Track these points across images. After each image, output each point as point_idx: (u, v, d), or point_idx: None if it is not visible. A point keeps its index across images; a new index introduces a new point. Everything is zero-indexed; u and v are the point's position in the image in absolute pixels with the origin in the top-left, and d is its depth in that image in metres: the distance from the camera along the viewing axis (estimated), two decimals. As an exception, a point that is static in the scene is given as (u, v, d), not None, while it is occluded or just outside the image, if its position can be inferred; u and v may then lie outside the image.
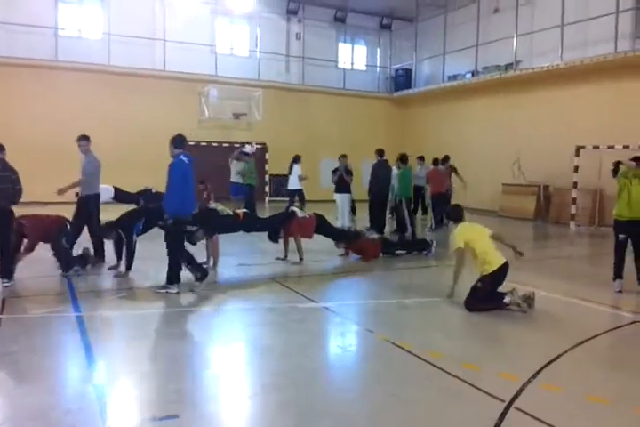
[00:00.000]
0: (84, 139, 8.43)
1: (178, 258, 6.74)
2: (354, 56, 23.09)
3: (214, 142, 19.58)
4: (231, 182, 15.20)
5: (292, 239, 8.88)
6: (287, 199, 14.58)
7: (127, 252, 7.57)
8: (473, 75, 18.67)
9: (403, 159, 12.10)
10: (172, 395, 3.91)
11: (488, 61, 18.30)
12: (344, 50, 22.74)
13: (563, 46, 15.26)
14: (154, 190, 12.79)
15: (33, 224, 7.00)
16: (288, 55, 21.24)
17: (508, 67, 17.35)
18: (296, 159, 14.73)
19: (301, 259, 8.75)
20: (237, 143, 19.63)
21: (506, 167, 16.72)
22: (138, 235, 7.77)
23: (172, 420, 3.45)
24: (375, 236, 9.89)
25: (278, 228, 8.73)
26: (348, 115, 21.52)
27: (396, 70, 22.91)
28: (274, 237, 8.74)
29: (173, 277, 6.65)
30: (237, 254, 9.20)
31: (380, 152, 12.23)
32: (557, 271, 8.83)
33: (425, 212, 15.65)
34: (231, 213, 8.43)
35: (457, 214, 6.74)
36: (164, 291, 6.59)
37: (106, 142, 17.19)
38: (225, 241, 8.56)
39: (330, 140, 20.43)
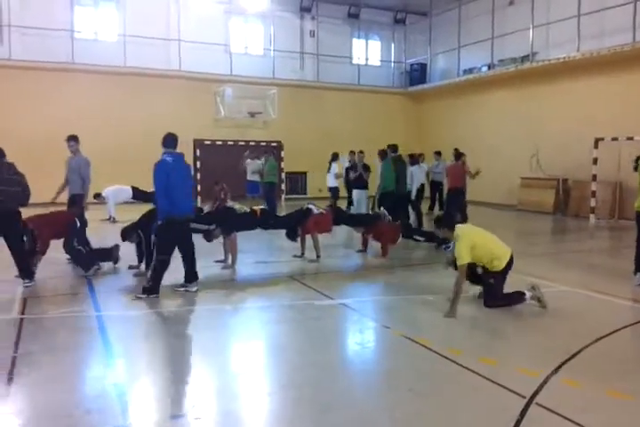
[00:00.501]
0: (72, 139, 8.44)
1: (163, 266, 6.45)
2: (368, 52, 23.01)
3: (230, 141, 19.67)
4: (247, 181, 15.41)
5: (309, 236, 8.89)
6: (304, 196, 14.66)
7: (146, 251, 7.64)
8: (489, 68, 18.49)
9: (380, 152, 11.99)
10: (192, 393, 3.95)
11: (504, 54, 18.11)
12: (358, 46, 22.68)
13: (580, 37, 15.06)
14: None
15: (39, 226, 7.08)
16: (302, 53, 21.23)
17: (524, 59, 17.16)
18: (334, 157, 14.97)
19: (318, 256, 8.75)
20: (253, 142, 19.76)
21: (524, 161, 16.57)
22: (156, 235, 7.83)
23: (192, 418, 3.48)
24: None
25: (296, 226, 8.74)
26: (363, 111, 21.46)
27: (411, 65, 22.78)
28: (292, 236, 8.76)
29: (151, 286, 6.39)
30: (255, 252, 9.24)
31: (394, 148, 12.10)
32: (577, 265, 8.73)
33: (441, 207, 15.60)
34: (248, 210, 8.46)
35: (449, 222, 6.13)
36: (182, 289, 6.63)
37: (123, 142, 17.43)
38: (242, 239, 8.58)
39: (345, 136, 20.39)
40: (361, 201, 12.71)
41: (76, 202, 8.33)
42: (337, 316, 5.83)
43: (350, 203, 14.10)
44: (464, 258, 5.67)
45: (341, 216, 9.32)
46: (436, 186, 15.97)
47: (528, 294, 5.91)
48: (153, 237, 7.69)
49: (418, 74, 22.23)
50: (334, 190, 15.07)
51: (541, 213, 15.79)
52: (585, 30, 15.04)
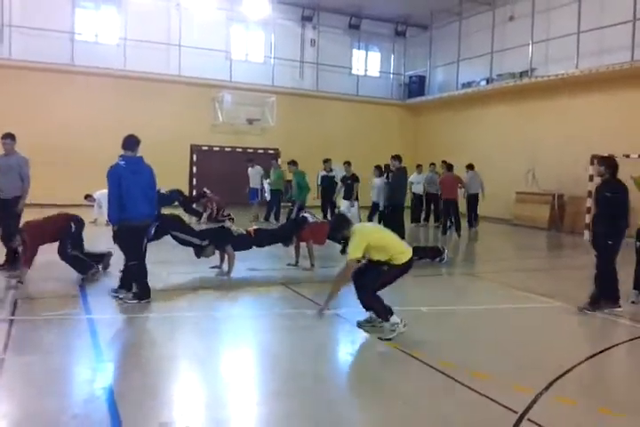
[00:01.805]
0: (9, 137, 7.83)
1: (139, 270, 6.39)
2: (368, 63, 23.12)
3: (227, 147, 19.67)
4: (250, 188, 15.58)
5: (303, 245, 8.86)
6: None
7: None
8: (487, 82, 18.59)
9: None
10: (181, 400, 3.91)
11: (503, 69, 18.22)
12: (358, 56, 22.77)
13: (579, 54, 15.16)
14: (162, 191, 12.89)
15: (31, 236, 6.94)
16: (302, 61, 21.30)
17: (523, 74, 17.26)
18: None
19: (312, 265, 8.72)
20: (251, 148, 19.76)
21: (520, 175, 16.61)
22: (149, 240, 7.78)
23: (181, 425, 3.42)
24: None
25: (291, 235, 8.73)
26: (360, 121, 21.51)
27: (410, 77, 22.88)
28: (286, 243, 8.77)
29: (139, 292, 6.28)
30: (248, 260, 9.18)
31: (396, 158, 12.03)
32: (572, 281, 8.73)
33: (437, 219, 15.62)
34: (244, 232, 8.43)
35: (340, 223, 5.76)
36: (114, 295, 6.41)
37: (119, 145, 17.34)
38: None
39: (343, 146, 20.42)
40: (353, 213, 12.70)
41: (12, 205, 7.68)
42: (329, 326, 5.79)
43: (325, 216, 13.91)
44: (354, 253, 5.25)
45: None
46: (432, 197, 16.02)
47: (393, 320, 5.30)
48: (145, 240, 7.65)
49: (416, 86, 22.33)
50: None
51: (536, 229, 15.81)
52: (584, 47, 15.15)
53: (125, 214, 6.10)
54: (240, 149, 19.74)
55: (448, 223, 13.92)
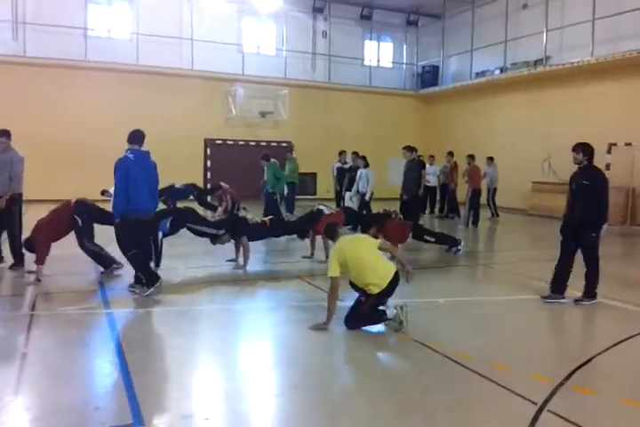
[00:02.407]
0: (4, 135, 7.72)
1: (138, 258, 6.43)
2: (380, 53, 22.97)
3: (241, 141, 19.71)
4: (264, 181, 15.54)
5: (318, 237, 8.87)
6: (313, 197, 14.63)
7: (154, 250, 7.65)
8: (501, 71, 18.41)
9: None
10: (200, 393, 3.94)
11: (517, 57, 18.03)
12: (370, 47, 22.64)
13: (594, 41, 14.96)
14: (177, 186, 12.96)
15: (45, 231, 7.01)
16: (314, 53, 21.23)
17: (537, 63, 17.07)
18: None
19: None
20: (264, 141, 19.79)
21: (536, 165, 16.47)
22: (166, 234, 7.86)
23: (202, 418, 3.46)
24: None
25: (307, 227, 8.75)
26: (374, 112, 21.43)
27: (423, 67, 22.72)
28: (302, 236, 8.80)
29: (147, 279, 6.36)
30: (264, 252, 9.23)
31: (411, 149, 12.00)
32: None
33: (452, 210, 15.57)
34: (259, 221, 8.47)
35: (331, 232, 5.75)
36: (131, 290, 6.47)
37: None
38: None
39: (356, 138, 20.37)
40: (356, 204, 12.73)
41: (20, 202, 7.60)
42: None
43: (338, 205, 13.83)
44: (331, 271, 5.15)
45: (352, 216, 9.31)
46: (444, 188, 15.95)
47: (390, 314, 5.26)
48: (160, 234, 7.73)
49: (430, 76, 22.17)
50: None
51: (553, 218, 15.65)
52: (599, 35, 14.94)
53: (130, 206, 6.17)
54: (253, 143, 19.78)
55: (470, 214, 13.77)
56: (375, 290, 5.15)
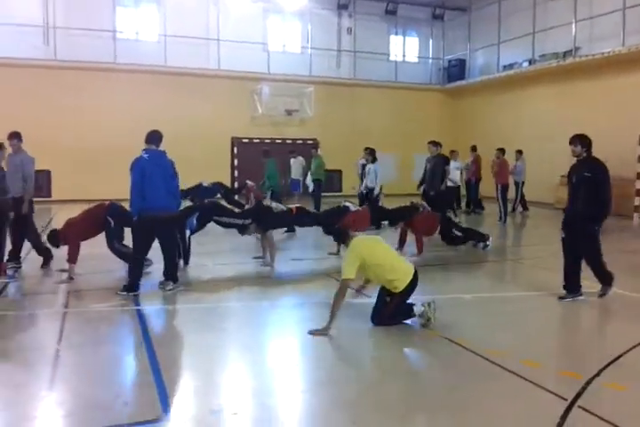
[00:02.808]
0: (15, 137, 7.74)
1: (136, 263, 6.49)
2: (405, 48, 22.82)
3: (267, 139, 19.79)
4: (291, 179, 15.65)
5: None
6: (339, 194, 14.57)
7: (182, 247, 7.78)
8: (530, 63, 18.10)
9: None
10: (229, 388, 3.99)
11: (545, 49, 17.70)
12: (396, 42, 22.50)
13: (625, 31, 14.60)
14: (204, 184, 13.10)
15: (74, 231, 7.11)
16: (339, 50, 21.19)
17: (566, 54, 16.73)
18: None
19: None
20: (290, 139, 19.85)
21: (564, 158, 16.09)
22: (194, 231, 7.97)
23: (230, 413, 3.51)
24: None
25: (333, 222, 8.75)
26: (400, 108, 21.28)
27: (449, 61, 22.49)
28: (326, 229, 8.82)
29: (128, 284, 6.37)
30: (290, 249, 9.28)
31: (437, 144, 11.87)
32: (621, 266, 8.45)
33: (477, 205, 15.40)
34: (284, 208, 8.50)
35: (340, 236, 5.61)
36: (161, 287, 6.57)
37: (164, 140, 17.69)
38: (279, 236, 8.65)
39: (382, 134, 20.28)
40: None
41: (17, 205, 7.47)
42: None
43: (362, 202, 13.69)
44: (348, 273, 5.03)
45: (379, 213, 9.28)
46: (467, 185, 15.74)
47: (417, 310, 5.23)
48: (188, 232, 7.84)
49: (456, 70, 21.93)
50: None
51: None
52: (630, 24, 14.56)
53: (146, 205, 6.26)
54: (279, 141, 19.84)
55: (500, 209, 13.54)
56: (401, 286, 5.13)
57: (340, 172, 20.17)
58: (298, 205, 9.14)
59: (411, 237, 9.22)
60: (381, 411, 3.55)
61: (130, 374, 4.25)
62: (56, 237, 7.19)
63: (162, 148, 6.65)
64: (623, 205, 14.61)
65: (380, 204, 8.94)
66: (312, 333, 4.93)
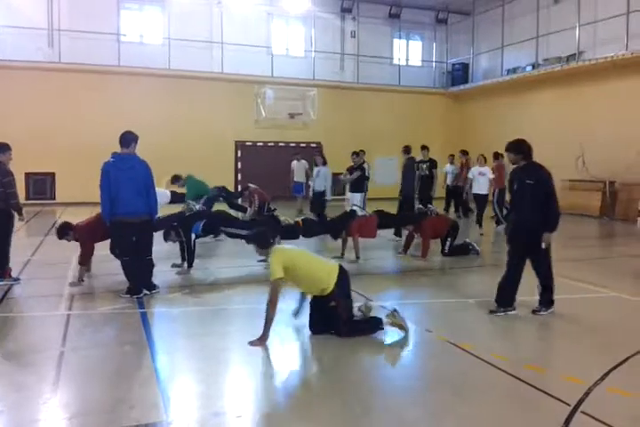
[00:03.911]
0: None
1: (129, 266, 6.45)
2: (409, 52, 22.85)
3: (270, 142, 19.83)
4: (294, 182, 15.62)
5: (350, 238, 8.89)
6: (342, 197, 14.45)
7: (187, 250, 7.81)
8: (533, 67, 18.12)
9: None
10: (233, 391, 4.00)
11: (549, 53, 17.73)
12: (399, 46, 22.53)
13: (628, 35, 14.62)
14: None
15: (82, 233, 7.10)
16: (343, 53, 21.23)
17: (570, 58, 16.75)
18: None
19: (358, 258, 8.73)
20: (293, 143, 19.87)
21: (569, 162, 16.16)
22: (199, 236, 8.00)
23: (234, 416, 3.51)
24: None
25: (340, 228, 8.78)
26: (403, 112, 21.30)
27: (453, 65, 22.52)
28: (335, 235, 8.86)
29: (131, 288, 6.39)
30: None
31: (407, 149, 11.94)
32: (625, 270, 8.48)
33: (465, 210, 15.18)
34: (291, 222, 8.55)
35: (262, 239, 5.18)
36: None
37: (166, 143, 17.74)
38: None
39: (385, 137, 20.30)
40: (357, 204, 12.66)
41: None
42: (377, 318, 5.80)
43: None
44: (275, 273, 4.78)
45: (387, 219, 9.29)
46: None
47: (385, 320, 5.13)
48: (193, 236, 7.87)
49: (460, 74, 21.96)
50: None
51: (587, 217, 15.39)
52: (634, 28, 14.59)
53: (117, 210, 6.19)
54: (283, 144, 19.89)
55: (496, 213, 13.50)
56: (328, 287, 4.94)
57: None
58: (303, 217, 9.17)
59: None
60: (386, 414, 3.55)
61: (134, 377, 4.25)
62: (64, 230, 7.14)
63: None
64: (629, 209, 14.62)
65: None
66: (252, 343, 4.76)
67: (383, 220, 9.18)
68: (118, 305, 6.07)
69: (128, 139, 6.38)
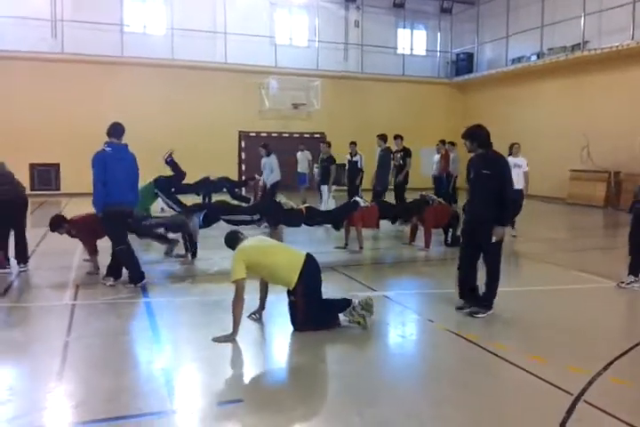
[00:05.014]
0: None
1: (126, 254, 6.43)
2: (413, 41, 22.72)
3: (274, 133, 19.79)
4: (298, 172, 15.59)
5: (353, 228, 8.89)
6: (346, 188, 14.27)
7: (190, 241, 7.85)
8: (538, 57, 18.00)
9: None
10: (237, 380, 4.03)
11: (554, 43, 17.59)
12: (403, 36, 22.39)
13: (634, 24, 14.48)
14: (211, 179, 13.10)
15: (78, 225, 7.04)
16: (347, 43, 21.12)
17: (575, 47, 16.63)
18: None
19: (361, 248, 8.75)
20: (297, 133, 19.83)
21: (574, 153, 16.11)
22: (201, 227, 8.02)
23: (237, 404, 3.54)
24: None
25: (342, 218, 8.79)
26: (407, 102, 21.21)
27: (457, 55, 22.39)
28: (337, 226, 8.86)
29: (131, 276, 6.46)
30: (297, 243, 9.24)
31: (384, 138, 11.80)
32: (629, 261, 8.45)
33: (449, 200, 14.94)
34: (295, 207, 8.53)
35: (232, 241, 5.19)
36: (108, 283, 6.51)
37: (170, 134, 17.72)
38: (286, 229, 8.67)
39: (389, 127, 20.13)
40: (328, 197, 12.62)
41: None
42: (380, 308, 5.79)
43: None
44: (237, 274, 4.72)
45: (389, 209, 9.29)
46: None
47: (343, 318, 5.05)
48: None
49: (464, 64, 21.85)
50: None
51: (591, 207, 15.34)
52: (640, 17, 14.48)
53: (111, 200, 6.18)
54: (287, 135, 19.84)
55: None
56: (291, 281, 4.88)
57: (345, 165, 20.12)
58: (306, 205, 9.15)
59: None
60: (386, 402, 3.57)
61: (138, 366, 4.28)
62: (58, 222, 7.07)
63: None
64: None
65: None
66: (216, 340, 4.66)
67: (385, 210, 9.18)
68: (122, 295, 6.10)
69: (120, 130, 6.47)
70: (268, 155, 12.43)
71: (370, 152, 15.11)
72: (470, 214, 5.56)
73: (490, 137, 5.47)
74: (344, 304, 5.09)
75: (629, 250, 6.54)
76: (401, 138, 12.32)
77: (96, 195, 6.21)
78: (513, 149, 10.62)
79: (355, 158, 13.19)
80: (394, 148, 12.11)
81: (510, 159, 10.10)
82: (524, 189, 10.24)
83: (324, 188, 13.12)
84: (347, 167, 13.79)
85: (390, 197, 11.63)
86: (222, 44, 18.83)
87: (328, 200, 12.79)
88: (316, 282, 5.04)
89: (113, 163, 6.21)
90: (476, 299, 5.53)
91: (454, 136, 14.69)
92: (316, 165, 13.16)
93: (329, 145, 13.23)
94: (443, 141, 14.67)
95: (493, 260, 5.41)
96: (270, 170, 12.33)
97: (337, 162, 13.96)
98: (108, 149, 6.32)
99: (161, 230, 7.82)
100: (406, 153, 12.07)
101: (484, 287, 5.50)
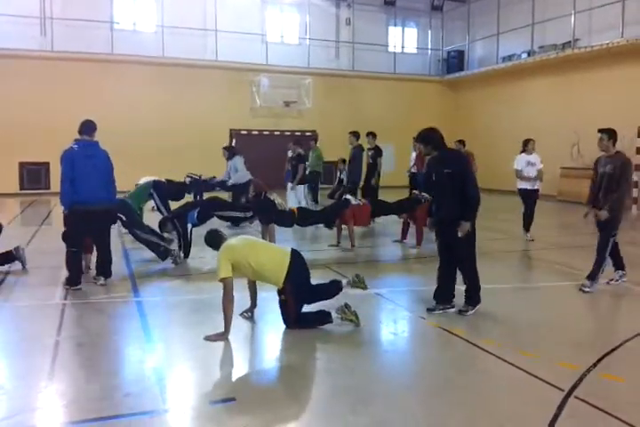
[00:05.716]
0: None
1: (72, 257, 6.33)
2: (404, 39, 22.72)
3: (266, 131, 19.76)
4: (288, 170, 15.52)
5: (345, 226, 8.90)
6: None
7: (183, 240, 7.82)
8: (529, 55, 18.06)
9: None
10: (229, 379, 4.02)
11: (544, 40, 17.66)
12: (394, 33, 22.39)
13: (624, 22, 14.55)
14: (203, 177, 13.02)
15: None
16: (338, 41, 21.10)
17: (565, 45, 16.69)
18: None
19: (353, 246, 8.75)
20: (288, 131, 19.80)
21: (564, 150, 16.18)
22: (195, 225, 8.00)
23: (230, 403, 3.53)
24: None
25: (334, 217, 8.79)
26: (398, 99, 21.21)
27: (449, 52, 22.41)
28: (329, 224, 8.86)
29: (69, 279, 6.32)
30: (290, 241, 9.28)
31: (357, 135, 11.64)
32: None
33: None
34: (287, 208, 8.52)
35: (213, 241, 5.12)
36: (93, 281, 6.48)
37: (160, 132, 17.69)
38: (278, 227, 8.66)
39: (381, 125, 20.18)
40: (299, 195, 12.56)
41: None
42: (372, 305, 5.82)
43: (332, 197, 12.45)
44: (223, 272, 4.67)
45: (382, 208, 9.29)
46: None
47: (336, 316, 5.00)
48: (190, 226, 7.88)
49: (455, 61, 21.88)
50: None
51: (582, 204, 15.37)
52: (629, 15, 14.52)
53: (78, 198, 6.11)
54: (278, 133, 19.81)
55: None
56: (279, 280, 4.84)
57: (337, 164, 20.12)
58: (299, 206, 9.16)
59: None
60: (379, 400, 3.57)
61: (130, 366, 4.27)
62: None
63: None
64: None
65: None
66: (208, 338, 4.64)
67: (377, 208, 9.20)
68: (114, 294, 6.08)
69: (91, 127, 6.37)
70: (232, 157, 11.96)
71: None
72: (437, 217, 5.52)
73: (443, 138, 5.48)
74: (335, 288, 5.17)
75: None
76: (373, 135, 11.84)
77: (63, 192, 6.16)
78: (528, 145, 9.91)
79: (370, 153, 12.22)
80: (366, 145, 11.85)
81: (523, 156, 9.83)
82: (539, 189, 9.89)
83: (299, 188, 12.93)
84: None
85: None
86: (213, 42, 18.74)
87: (302, 201, 12.59)
88: (303, 279, 5.03)
89: (81, 160, 6.13)
90: (465, 296, 5.53)
91: (445, 134, 14.74)
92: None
93: (296, 142, 13.09)
94: (415, 138, 14.29)
95: (467, 258, 5.37)
96: (235, 171, 11.88)
97: (324, 159, 13.92)
98: (75, 146, 6.24)
99: (154, 238, 7.69)
100: (377, 152, 11.68)
101: (465, 286, 5.50)
